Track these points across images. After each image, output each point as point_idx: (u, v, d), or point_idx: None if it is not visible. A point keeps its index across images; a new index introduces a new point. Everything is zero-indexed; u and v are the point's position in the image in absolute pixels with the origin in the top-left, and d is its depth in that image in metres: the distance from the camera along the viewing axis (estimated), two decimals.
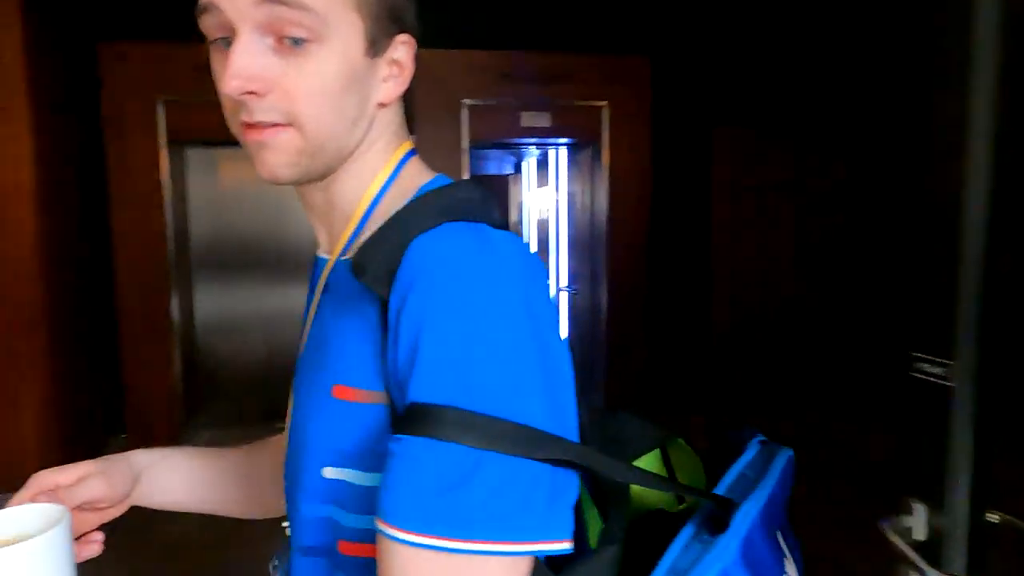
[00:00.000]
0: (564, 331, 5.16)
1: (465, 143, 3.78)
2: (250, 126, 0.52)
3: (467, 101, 3.76)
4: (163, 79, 3.56)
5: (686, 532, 0.54)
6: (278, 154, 0.53)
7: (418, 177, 0.60)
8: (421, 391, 0.45)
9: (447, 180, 0.59)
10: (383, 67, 0.56)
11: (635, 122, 4.00)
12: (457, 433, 0.43)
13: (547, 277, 0.53)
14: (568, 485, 0.46)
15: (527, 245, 0.51)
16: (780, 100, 4.17)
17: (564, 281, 5.07)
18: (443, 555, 0.42)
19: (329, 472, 0.54)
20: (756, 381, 4.40)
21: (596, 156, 4.10)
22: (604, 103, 3.96)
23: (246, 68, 0.49)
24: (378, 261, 0.49)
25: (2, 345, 3.07)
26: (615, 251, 4.04)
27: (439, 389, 0.44)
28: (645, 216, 4.04)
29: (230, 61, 0.49)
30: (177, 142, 3.68)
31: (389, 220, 0.52)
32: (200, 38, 0.54)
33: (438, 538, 0.42)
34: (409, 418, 0.45)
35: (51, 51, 3.19)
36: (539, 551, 0.44)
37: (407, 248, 0.49)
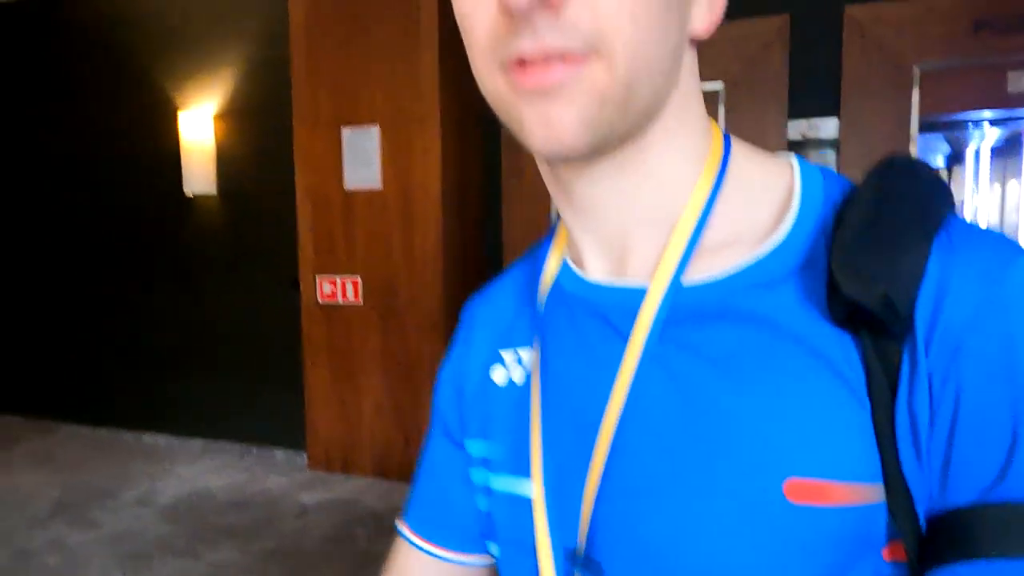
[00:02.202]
0: None
1: (914, 126, 2.82)
2: (527, 67, 0.34)
3: (922, 66, 2.79)
4: None
5: None
6: (575, 102, 0.34)
7: (768, 161, 0.43)
8: None
9: (814, 165, 0.42)
10: None
11: None
12: None
13: None
14: None
15: None
16: None
17: None
18: None
19: None
20: None
21: None
22: None
23: None
24: (891, 273, 0.33)
25: (410, 345, 3.27)
26: None
27: None
28: None
29: None
30: None
31: (861, 216, 0.36)
32: None
33: None
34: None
35: (460, 68, 3.29)
36: None
37: (929, 254, 0.34)
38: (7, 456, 3.83)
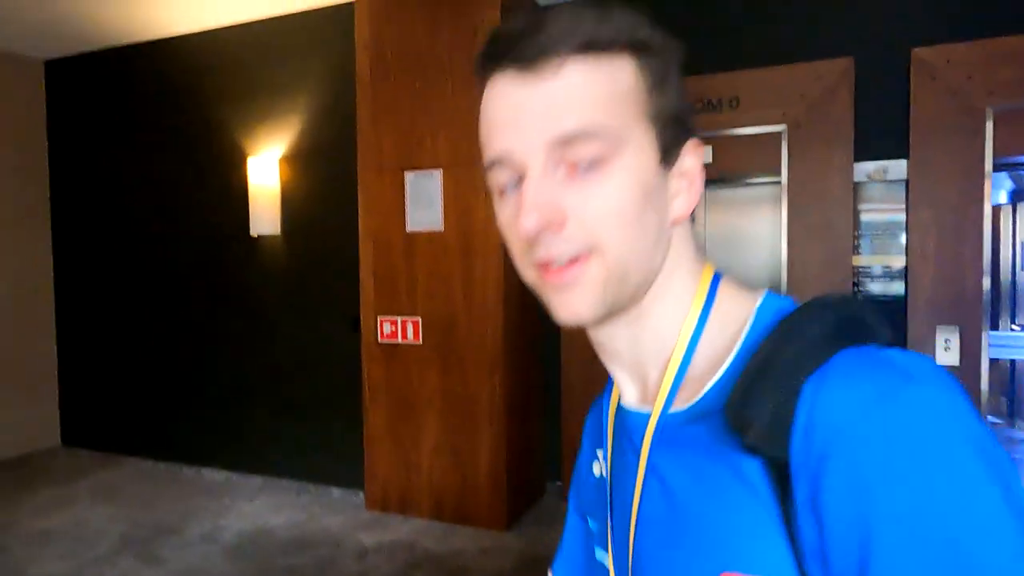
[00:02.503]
0: None
1: (988, 167, 2.76)
2: (547, 267, 0.49)
3: (995, 107, 2.74)
4: None
5: None
6: (583, 290, 0.49)
7: (741, 299, 0.53)
8: None
9: (778, 297, 0.52)
10: (673, 180, 0.51)
11: None
12: None
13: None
14: None
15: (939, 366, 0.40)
16: None
17: None
18: None
19: None
20: None
21: None
22: None
23: (545, 200, 0.47)
24: (764, 415, 0.41)
25: (469, 386, 3.28)
26: None
27: None
28: None
29: (525, 197, 0.47)
30: None
31: (758, 359, 0.44)
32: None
33: None
34: None
35: None
36: None
37: (799, 394, 0.41)
38: (73, 490, 3.94)
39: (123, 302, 4.43)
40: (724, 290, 0.53)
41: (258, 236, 3.89)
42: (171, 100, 4.17)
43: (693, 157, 0.52)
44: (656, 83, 0.49)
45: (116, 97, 4.38)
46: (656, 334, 0.53)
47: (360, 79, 3.46)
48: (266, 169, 3.80)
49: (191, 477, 4.15)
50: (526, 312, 3.41)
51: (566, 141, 0.46)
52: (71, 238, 4.63)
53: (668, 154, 0.50)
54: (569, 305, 0.49)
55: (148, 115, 4.27)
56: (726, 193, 3.48)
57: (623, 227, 0.47)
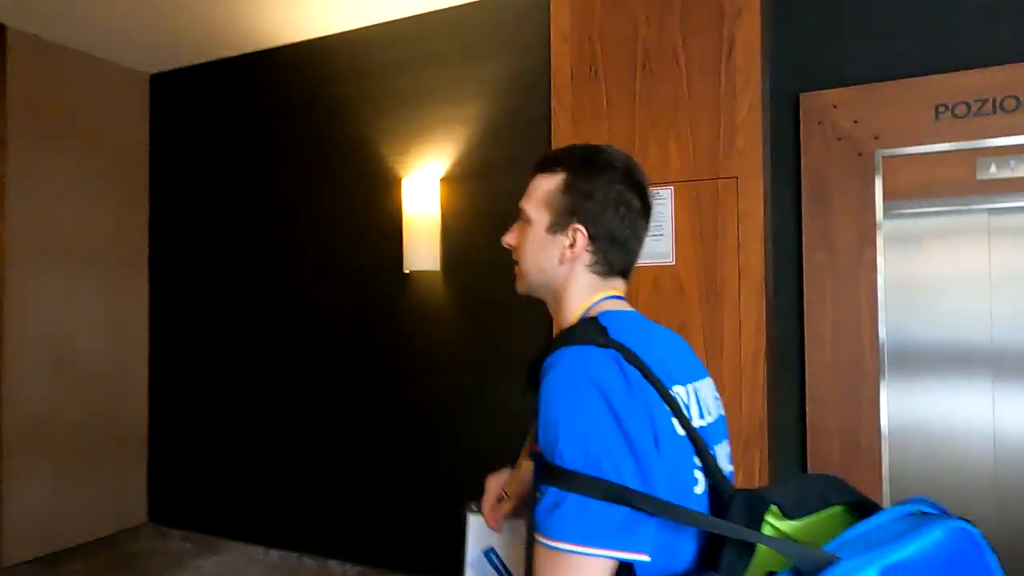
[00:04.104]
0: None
1: None
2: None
3: None
4: (877, 130, 2.76)
5: None
6: (517, 280, 1.08)
7: (598, 312, 0.97)
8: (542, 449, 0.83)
9: (609, 315, 0.94)
10: (561, 240, 0.99)
11: None
12: (553, 480, 0.78)
13: (629, 375, 0.82)
14: (629, 518, 0.75)
15: (610, 357, 0.84)
16: None
17: None
18: (549, 551, 0.76)
19: None
20: None
21: None
22: None
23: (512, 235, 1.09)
24: (533, 373, 0.90)
25: None
26: None
27: (545, 450, 0.81)
28: None
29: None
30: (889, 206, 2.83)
31: (551, 344, 0.90)
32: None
33: (545, 538, 0.76)
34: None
35: (782, 118, 2.67)
36: (609, 556, 0.74)
37: (545, 365, 0.87)
38: None
39: (233, 355, 3.74)
40: (601, 307, 0.97)
41: (411, 272, 3.20)
42: (300, 115, 3.55)
43: (572, 232, 0.98)
44: (563, 189, 1.00)
45: (231, 113, 3.78)
46: (563, 318, 1.01)
47: (557, 78, 2.80)
48: (424, 192, 3.13)
49: (314, 570, 3.36)
50: (783, 371, 2.63)
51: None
52: (171, 280, 3.99)
53: (554, 228, 1.00)
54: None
55: (270, 134, 3.66)
56: (992, 220, 2.69)
57: (525, 255, 1.03)
